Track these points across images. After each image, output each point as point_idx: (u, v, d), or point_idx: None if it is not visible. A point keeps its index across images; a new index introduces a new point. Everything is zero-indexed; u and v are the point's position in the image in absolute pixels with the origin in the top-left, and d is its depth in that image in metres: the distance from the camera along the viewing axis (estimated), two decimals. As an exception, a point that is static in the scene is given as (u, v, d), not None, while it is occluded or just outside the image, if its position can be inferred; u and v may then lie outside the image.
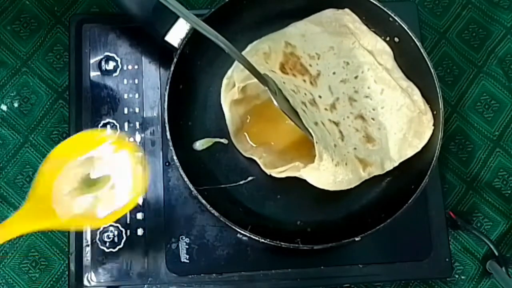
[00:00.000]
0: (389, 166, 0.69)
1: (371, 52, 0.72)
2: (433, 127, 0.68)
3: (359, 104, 0.70)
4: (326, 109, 0.69)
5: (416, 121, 0.69)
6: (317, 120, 0.67)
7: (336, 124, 0.68)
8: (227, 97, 0.69)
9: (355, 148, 0.68)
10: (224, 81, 0.70)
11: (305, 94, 0.68)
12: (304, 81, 0.69)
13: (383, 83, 0.70)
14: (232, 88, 0.68)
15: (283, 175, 0.68)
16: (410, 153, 0.69)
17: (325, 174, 0.65)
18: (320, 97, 0.69)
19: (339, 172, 0.65)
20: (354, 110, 0.69)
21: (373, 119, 0.69)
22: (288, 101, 0.64)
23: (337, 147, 0.67)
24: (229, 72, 0.70)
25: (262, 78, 0.60)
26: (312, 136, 0.63)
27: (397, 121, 0.69)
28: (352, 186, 0.67)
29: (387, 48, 0.72)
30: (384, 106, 0.70)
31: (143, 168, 0.62)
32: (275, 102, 0.61)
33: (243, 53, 0.70)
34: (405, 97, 0.70)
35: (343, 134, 0.68)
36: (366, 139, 0.68)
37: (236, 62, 0.69)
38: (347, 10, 0.73)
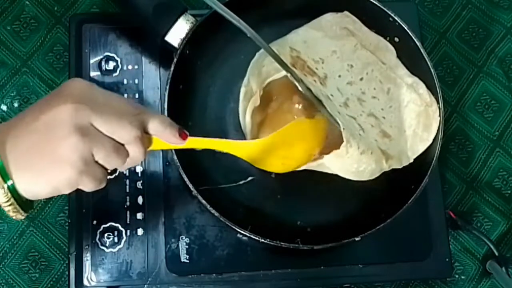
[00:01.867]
0: (405, 162, 0.68)
1: (374, 52, 0.72)
2: (439, 118, 0.68)
3: (368, 104, 0.70)
4: (340, 105, 0.69)
5: (424, 115, 0.69)
6: (339, 110, 0.67)
7: (354, 118, 0.68)
8: (249, 105, 0.68)
9: (376, 140, 0.68)
10: (242, 89, 0.69)
11: (320, 90, 0.68)
12: (315, 81, 0.69)
13: (389, 82, 0.70)
14: (252, 96, 0.67)
15: (301, 167, 0.67)
16: (422, 148, 0.69)
17: (349, 162, 0.65)
18: (332, 95, 0.69)
19: (363, 161, 0.65)
20: (365, 109, 0.70)
21: (383, 117, 0.70)
22: (310, 90, 0.64)
23: (362, 136, 0.67)
24: (245, 80, 0.70)
25: (286, 66, 0.61)
26: (338, 123, 0.63)
27: (406, 118, 0.69)
28: (373, 177, 0.67)
29: (390, 47, 0.72)
30: (392, 105, 0.70)
31: None
32: (300, 88, 0.62)
33: (252, 61, 0.70)
34: (411, 93, 0.70)
35: (362, 127, 0.68)
36: (383, 134, 0.68)
37: (249, 69, 0.70)
38: (346, 12, 0.73)
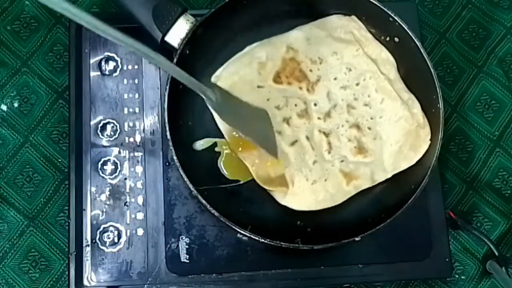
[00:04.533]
0: (381, 178, 0.69)
1: (375, 60, 0.72)
2: (429, 142, 0.68)
3: (357, 112, 0.70)
4: (319, 118, 0.69)
5: (413, 135, 0.69)
6: (299, 136, 0.67)
7: (327, 135, 0.68)
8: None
9: (342, 161, 0.68)
10: (213, 78, 0.70)
11: (295, 105, 0.68)
12: (300, 88, 0.69)
13: (384, 93, 0.70)
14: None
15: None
16: (404, 165, 0.69)
17: (305, 195, 0.67)
18: (315, 104, 0.69)
19: (318, 190, 0.67)
20: (351, 118, 0.69)
21: (369, 128, 0.69)
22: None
23: (317, 163, 0.67)
24: (219, 71, 0.70)
25: (200, 86, 0.58)
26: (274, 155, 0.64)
27: (394, 132, 0.69)
28: (338, 202, 0.68)
29: (391, 59, 0.72)
30: (382, 115, 0.70)
31: None
32: (215, 115, 0.63)
33: (239, 54, 0.70)
34: (404, 110, 0.69)
35: (331, 146, 0.68)
36: (358, 150, 0.68)
37: (227, 63, 0.69)
38: (353, 17, 0.73)
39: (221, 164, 0.70)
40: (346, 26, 0.72)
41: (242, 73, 0.68)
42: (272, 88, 0.68)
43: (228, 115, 0.61)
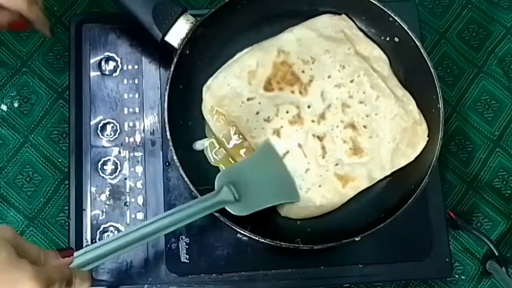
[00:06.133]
0: (379, 176, 0.69)
1: (367, 58, 0.71)
2: (427, 138, 0.68)
3: (352, 110, 0.69)
4: (313, 121, 0.68)
5: (410, 131, 0.69)
6: (290, 146, 0.67)
7: (320, 138, 0.68)
8: (205, 104, 0.70)
9: (336, 164, 0.68)
10: (204, 88, 0.70)
11: (287, 112, 0.68)
12: (293, 92, 0.69)
13: (378, 90, 0.70)
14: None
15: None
16: (403, 162, 0.69)
17: (303, 204, 0.67)
18: (309, 107, 0.69)
19: (313, 197, 0.67)
20: (346, 118, 0.69)
21: (365, 126, 0.69)
22: None
23: (309, 171, 0.67)
24: (209, 81, 0.70)
25: (215, 200, 0.62)
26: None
27: (391, 130, 0.69)
28: (337, 206, 0.68)
29: (383, 56, 0.72)
30: (378, 112, 0.69)
31: None
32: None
33: (230, 62, 0.70)
34: (398, 107, 0.69)
35: (325, 150, 0.68)
36: (353, 151, 0.68)
37: (218, 72, 0.70)
38: (343, 16, 0.72)
39: (220, 164, 0.70)
40: (336, 25, 0.72)
41: (232, 84, 0.69)
42: (263, 97, 0.68)
43: (251, 193, 0.64)
